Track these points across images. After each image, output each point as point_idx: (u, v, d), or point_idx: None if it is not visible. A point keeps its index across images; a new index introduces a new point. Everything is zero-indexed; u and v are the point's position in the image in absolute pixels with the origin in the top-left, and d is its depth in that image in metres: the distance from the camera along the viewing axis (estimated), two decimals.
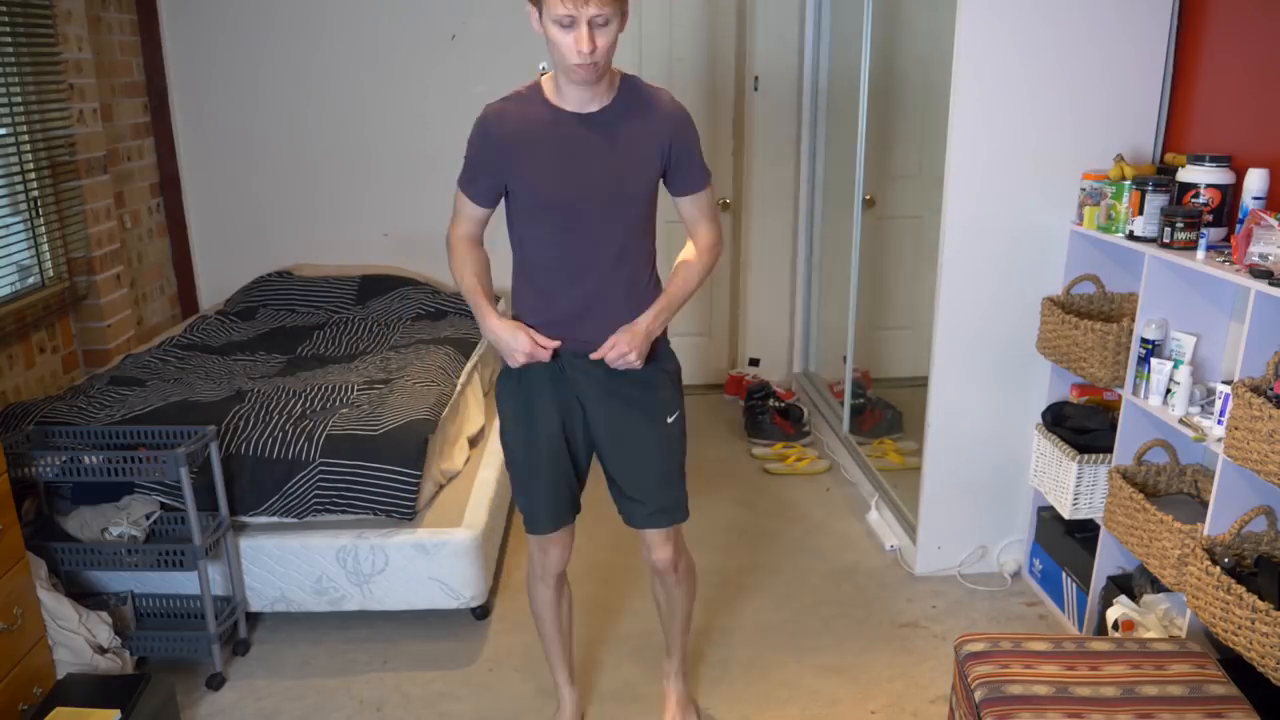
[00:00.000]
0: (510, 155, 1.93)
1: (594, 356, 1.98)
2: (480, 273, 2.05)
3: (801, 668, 2.66)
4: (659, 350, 2.10)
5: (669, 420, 2.11)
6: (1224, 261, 2.15)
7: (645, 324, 2.00)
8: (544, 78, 1.94)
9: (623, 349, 1.95)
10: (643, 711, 2.49)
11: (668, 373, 2.13)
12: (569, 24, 1.75)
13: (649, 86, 2.00)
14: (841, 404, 4.05)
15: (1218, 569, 1.93)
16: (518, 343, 1.96)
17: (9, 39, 3.15)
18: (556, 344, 1.99)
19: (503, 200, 2.02)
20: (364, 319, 3.94)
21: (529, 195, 1.95)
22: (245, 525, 2.74)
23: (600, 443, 2.12)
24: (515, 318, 2.06)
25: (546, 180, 1.93)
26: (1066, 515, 2.69)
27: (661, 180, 2.03)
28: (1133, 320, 2.47)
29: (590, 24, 1.74)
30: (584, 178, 1.92)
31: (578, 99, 1.90)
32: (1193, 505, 2.41)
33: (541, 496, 2.12)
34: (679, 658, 2.40)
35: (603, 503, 2.27)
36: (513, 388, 2.09)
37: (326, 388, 3.08)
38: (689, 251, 2.10)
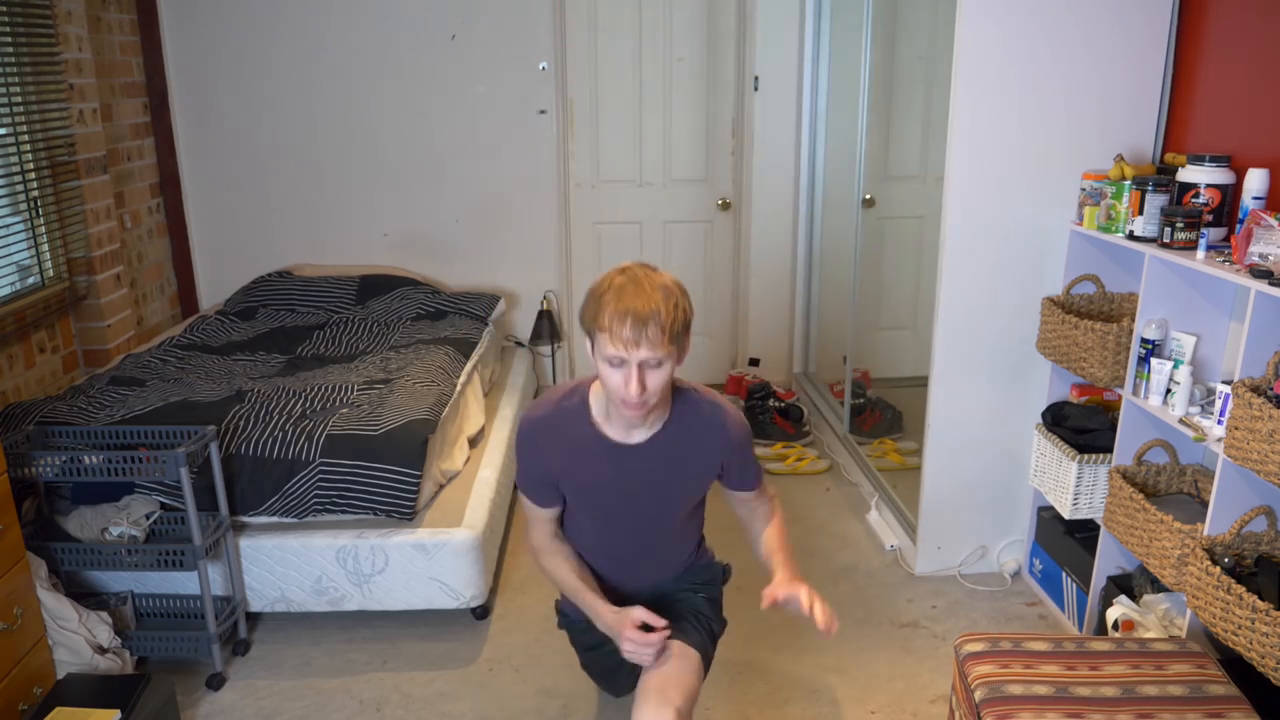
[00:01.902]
0: (557, 469, 1.88)
1: (766, 604, 1.83)
2: (575, 567, 1.95)
3: (801, 668, 2.66)
4: (699, 560, 2.11)
5: (705, 615, 2.05)
6: (1224, 261, 2.15)
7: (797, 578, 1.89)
8: (592, 393, 1.84)
9: (810, 593, 1.83)
10: None
11: (704, 577, 2.12)
12: (619, 364, 1.66)
13: (697, 401, 1.88)
14: (841, 404, 4.05)
15: (1218, 569, 1.93)
16: (628, 637, 1.80)
17: (9, 39, 3.15)
18: (665, 630, 1.82)
19: None
20: (364, 319, 3.94)
21: (573, 501, 1.93)
22: (245, 525, 2.74)
23: None
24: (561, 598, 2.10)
25: (590, 505, 1.91)
26: (1066, 515, 2.68)
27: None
28: (1133, 320, 2.47)
29: (641, 367, 1.65)
30: (626, 509, 1.90)
31: (625, 428, 1.82)
32: (1193, 505, 2.41)
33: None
34: None
35: None
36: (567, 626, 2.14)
37: (326, 388, 3.08)
38: (771, 523, 2.04)
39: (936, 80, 3.55)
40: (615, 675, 2.08)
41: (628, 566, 2.02)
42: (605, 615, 1.86)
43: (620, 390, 1.68)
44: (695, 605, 2.02)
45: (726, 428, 1.88)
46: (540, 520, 1.98)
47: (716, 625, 2.06)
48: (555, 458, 1.87)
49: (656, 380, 1.68)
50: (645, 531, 1.96)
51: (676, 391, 1.86)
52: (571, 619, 2.10)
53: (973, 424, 2.97)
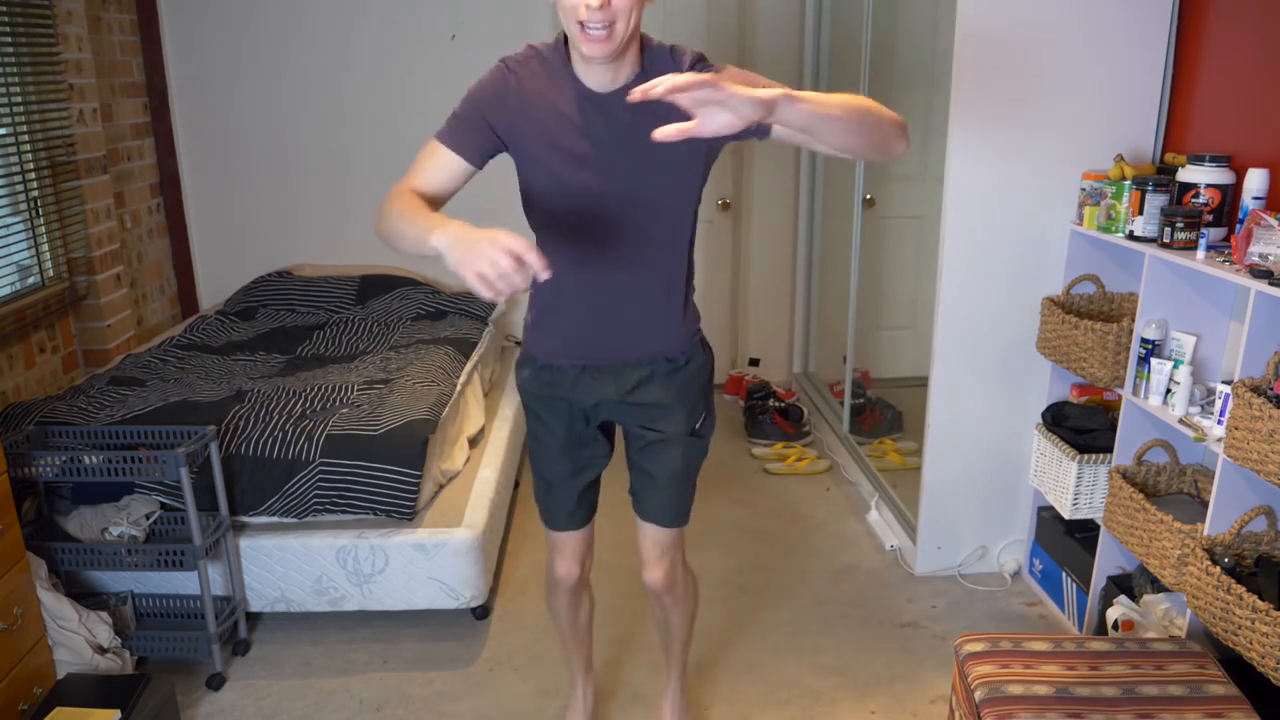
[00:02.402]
0: (522, 124, 1.62)
1: (642, 94, 1.28)
2: (417, 201, 1.60)
3: (801, 668, 2.66)
4: (698, 357, 1.88)
5: (696, 427, 1.92)
6: (1224, 261, 2.15)
7: (766, 93, 1.31)
8: (570, 39, 1.59)
9: (712, 82, 1.27)
10: (644, 713, 2.49)
11: (694, 379, 1.89)
12: None
13: (680, 53, 1.64)
14: (841, 404, 4.05)
15: (1218, 569, 1.93)
16: (497, 247, 1.33)
17: (9, 39, 3.15)
18: (544, 267, 1.36)
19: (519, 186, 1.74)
20: (364, 319, 3.94)
21: (541, 181, 1.68)
22: (245, 525, 2.74)
23: (629, 443, 1.99)
24: (528, 326, 1.89)
25: (557, 167, 1.64)
26: (1066, 515, 2.68)
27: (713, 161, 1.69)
28: (1133, 320, 2.47)
29: None
30: (601, 173, 1.63)
31: (596, 74, 1.60)
32: (1193, 505, 2.41)
33: (557, 496, 2.01)
34: (677, 674, 2.30)
35: (606, 504, 2.26)
36: (530, 381, 1.92)
37: (326, 388, 3.08)
38: None
39: (936, 80, 3.54)
40: (567, 485, 1.94)
41: (606, 313, 1.77)
42: (452, 224, 1.41)
43: (580, 11, 1.45)
44: (676, 453, 1.89)
45: (704, 64, 1.61)
46: (428, 174, 1.67)
47: (698, 454, 1.96)
48: (524, 110, 1.62)
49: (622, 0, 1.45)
50: (626, 240, 1.69)
51: (649, 46, 1.64)
52: (538, 362, 1.87)
53: (973, 424, 2.97)
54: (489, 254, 1.32)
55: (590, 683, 2.37)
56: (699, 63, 1.64)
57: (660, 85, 1.23)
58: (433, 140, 1.69)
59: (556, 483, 2.02)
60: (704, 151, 1.66)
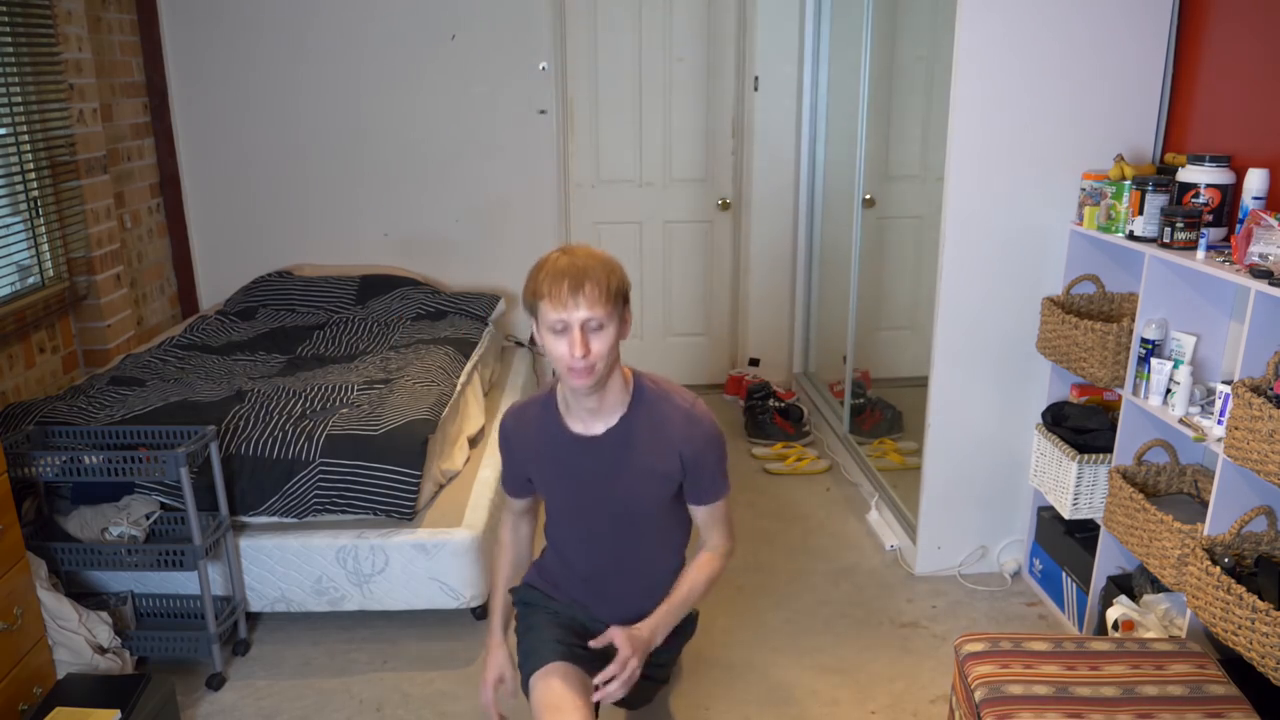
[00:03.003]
0: (528, 464, 1.94)
1: (594, 644, 1.83)
2: (509, 569, 2.05)
3: (801, 668, 2.66)
4: (683, 628, 2.03)
5: (663, 665, 2.06)
6: (1224, 261, 2.15)
7: (647, 634, 1.83)
8: (559, 388, 1.88)
9: (624, 661, 1.76)
10: (642, 713, 2.48)
11: (680, 640, 2.05)
12: (561, 329, 1.69)
13: (664, 395, 1.87)
14: (841, 404, 4.05)
15: (1218, 569, 1.93)
16: (483, 689, 1.98)
17: (9, 39, 3.15)
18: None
19: None
20: (364, 319, 3.94)
21: (548, 496, 1.96)
22: (245, 525, 2.74)
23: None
24: (542, 553, 2.08)
25: (557, 497, 1.93)
26: (1066, 515, 2.68)
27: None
28: (1133, 320, 2.47)
29: (583, 329, 1.68)
30: (593, 503, 1.89)
31: (584, 418, 1.84)
32: (1193, 505, 2.41)
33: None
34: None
35: None
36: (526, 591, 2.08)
37: (326, 388, 3.08)
38: (700, 558, 1.96)
39: (936, 80, 3.54)
40: (539, 652, 2.01)
41: (606, 585, 1.96)
42: (494, 633, 1.99)
43: (566, 357, 1.70)
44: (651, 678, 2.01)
45: (690, 423, 1.83)
46: (510, 510, 2.07)
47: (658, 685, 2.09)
48: (525, 450, 1.92)
49: (600, 344, 1.70)
50: (617, 537, 1.92)
51: (639, 387, 1.86)
52: (537, 588, 2.05)
53: (973, 424, 2.97)
54: (484, 685, 1.99)
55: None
56: (691, 417, 1.84)
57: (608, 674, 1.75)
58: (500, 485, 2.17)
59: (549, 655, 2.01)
60: (675, 473, 1.88)
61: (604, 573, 1.96)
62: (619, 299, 1.73)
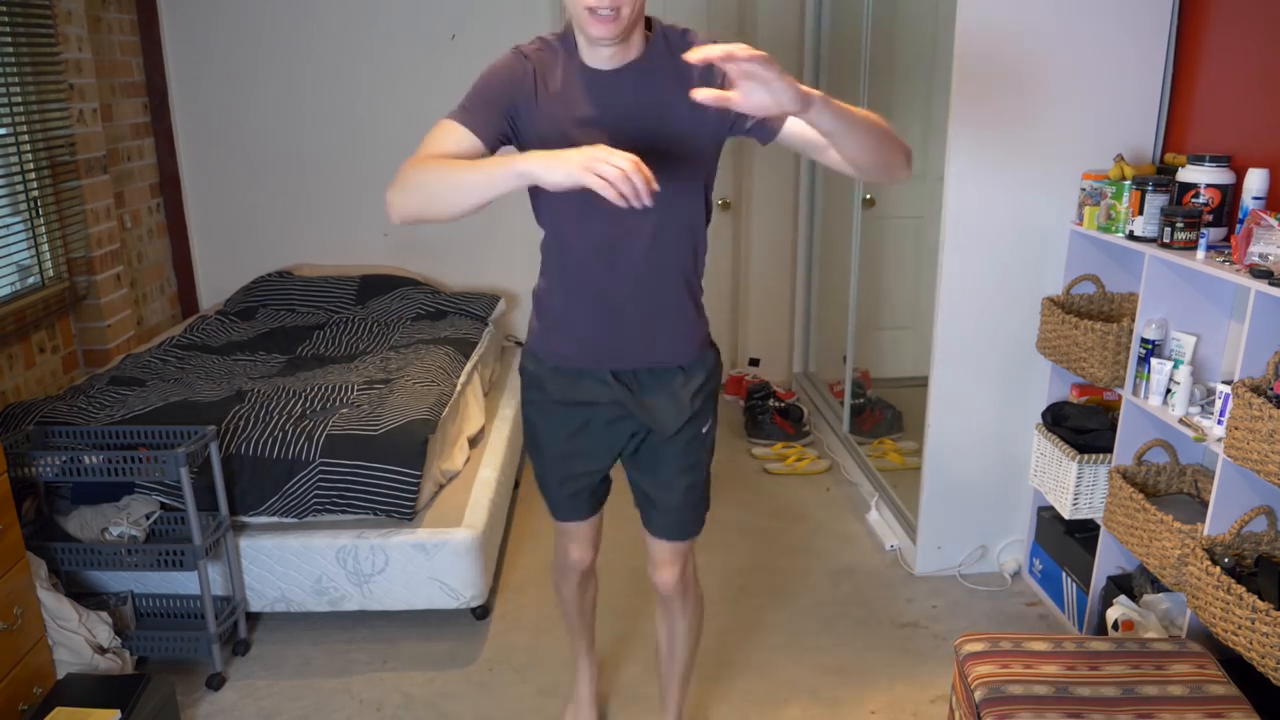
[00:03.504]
0: (534, 109, 1.63)
1: (702, 57, 1.26)
2: (454, 159, 1.60)
3: (801, 668, 2.66)
4: (708, 362, 1.89)
5: (703, 430, 1.91)
6: (1224, 261, 2.15)
7: (805, 89, 1.33)
8: (576, 28, 1.64)
9: (764, 59, 1.25)
10: (644, 712, 2.49)
11: (708, 387, 1.89)
12: None
13: (686, 33, 1.68)
14: (841, 404, 4.05)
15: (1218, 569, 1.93)
16: (608, 153, 1.36)
17: (9, 39, 3.15)
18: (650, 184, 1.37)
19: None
20: (364, 319, 3.94)
21: (544, 194, 1.69)
22: (245, 525, 2.74)
23: (626, 450, 1.95)
24: (534, 331, 1.87)
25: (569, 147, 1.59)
26: (1066, 515, 2.68)
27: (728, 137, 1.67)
28: (1133, 320, 2.47)
29: None
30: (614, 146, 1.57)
31: (604, 54, 1.62)
32: (1193, 505, 2.41)
33: (563, 491, 2.01)
34: (675, 710, 2.22)
35: (610, 502, 2.25)
36: (533, 386, 1.91)
37: (326, 388, 3.08)
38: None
39: (936, 80, 3.54)
40: (573, 483, 1.96)
41: (620, 313, 1.76)
42: (532, 154, 1.43)
43: None
44: (681, 453, 1.89)
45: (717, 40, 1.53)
46: (445, 143, 1.63)
47: (707, 455, 1.96)
48: (536, 94, 1.64)
49: None
50: (636, 231, 1.69)
51: (657, 26, 1.69)
52: (542, 361, 1.87)
53: (973, 424, 2.97)
54: (602, 156, 1.34)
55: (593, 658, 2.38)
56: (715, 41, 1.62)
57: (717, 50, 1.23)
58: (445, 120, 1.64)
59: (563, 480, 2.01)
60: (711, 135, 1.65)
61: (618, 305, 1.73)
62: None
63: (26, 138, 3.27)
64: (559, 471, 2.00)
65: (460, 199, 1.51)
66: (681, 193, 1.70)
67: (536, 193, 1.72)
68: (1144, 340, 2.41)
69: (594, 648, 2.38)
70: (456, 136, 1.62)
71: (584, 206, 1.60)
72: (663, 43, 1.66)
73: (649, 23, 1.68)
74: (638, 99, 1.63)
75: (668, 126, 1.62)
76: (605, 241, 1.72)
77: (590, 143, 1.43)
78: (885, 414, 4.02)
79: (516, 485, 3.65)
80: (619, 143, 1.47)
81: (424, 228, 4.41)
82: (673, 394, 1.86)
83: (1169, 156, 2.64)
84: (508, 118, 1.65)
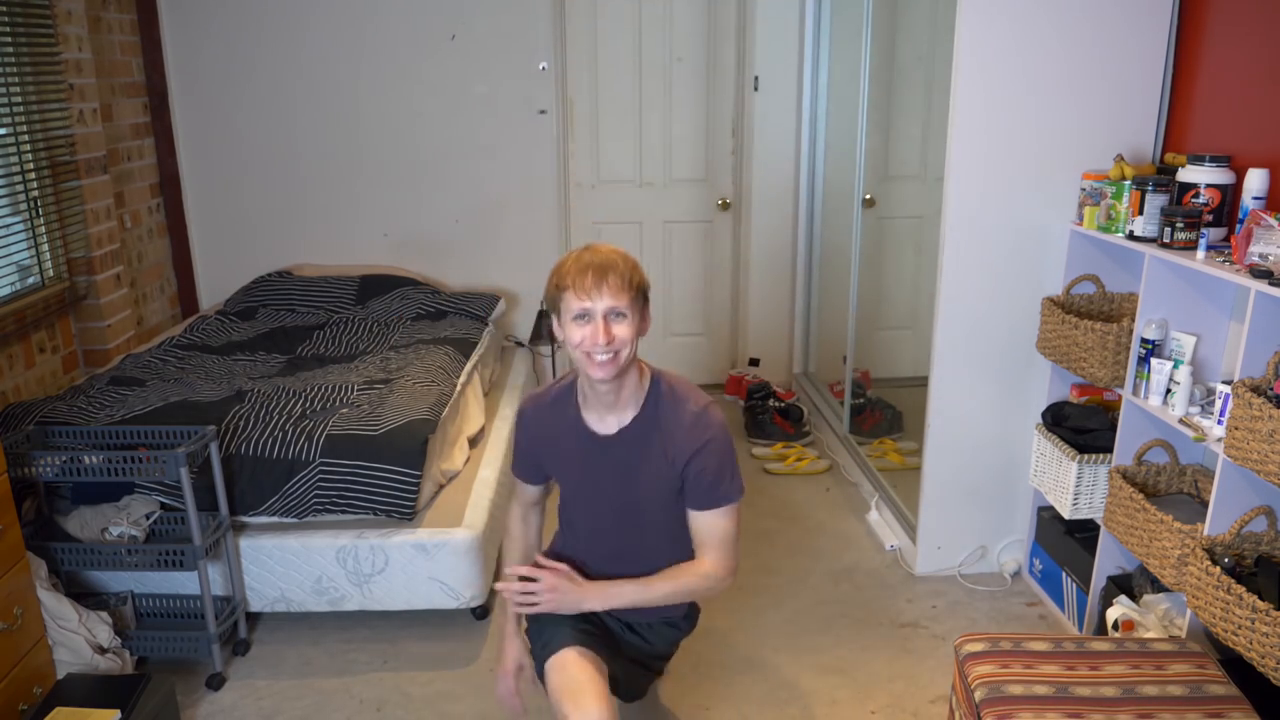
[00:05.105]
0: (543, 456, 1.99)
1: (511, 572, 1.95)
2: (521, 557, 2.08)
3: (801, 668, 2.66)
4: (686, 613, 2.08)
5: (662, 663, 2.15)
6: (1224, 261, 2.15)
7: (581, 590, 1.90)
8: (579, 380, 1.91)
9: (538, 589, 1.87)
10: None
11: (683, 632, 2.11)
12: (585, 318, 1.74)
13: (679, 398, 1.89)
14: (841, 404, 4.05)
15: (1218, 569, 1.93)
16: (502, 679, 2.04)
17: (9, 39, 3.15)
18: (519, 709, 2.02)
19: None
20: (364, 319, 3.94)
21: (561, 485, 2.01)
22: (245, 525, 2.74)
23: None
24: (554, 537, 2.10)
25: (570, 484, 1.99)
26: (1066, 515, 2.68)
27: None
28: (1133, 320, 2.47)
29: (606, 318, 1.74)
30: (602, 496, 1.94)
31: (601, 411, 1.88)
32: (1193, 505, 2.41)
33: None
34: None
35: None
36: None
37: (326, 388, 3.08)
38: (686, 565, 1.94)
39: (936, 80, 3.55)
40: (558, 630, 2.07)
41: (608, 574, 1.97)
42: (509, 621, 2.02)
43: (588, 343, 1.74)
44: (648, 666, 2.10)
45: (696, 426, 1.85)
46: (520, 497, 2.09)
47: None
48: (541, 438, 1.97)
49: (623, 332, 1.75)
50: (622, 530, 1.95)
51: (655, 385, 1.89)
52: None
53: (973, 424, 2.97)
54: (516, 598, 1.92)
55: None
56: (699, 422, 1.87)
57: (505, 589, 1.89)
58: (511, 471, 2.11)
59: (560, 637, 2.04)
60: (676, 479, 1.89)
61: (608, 561, 1.98)
62: (640, 294, 1.79)
63: (26, 138, 3.27)
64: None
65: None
66: (660, 523, 1.95)
67: (563, 503, 2.06)
68: (1144, 340, 2.41)
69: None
70: (523, 491, 2.09)
71: (589, 513, 1.98)
72: (655, 407, 1.88)
73: (655, 379, 1.91)
74: (624, 460, 1.89)
75: (643, 487, 1.90)
76: (605, 540, 2.00)
77: (587, 495, 1.95)
78: (885, 414, 4.02)
79: None
80: (607, 490, 1.91)
81: (423, 228, 4.41)
82: (656, 635, 2.07)
83: (1169, 156, 2.64)
84: (538, 466, 2.03)
